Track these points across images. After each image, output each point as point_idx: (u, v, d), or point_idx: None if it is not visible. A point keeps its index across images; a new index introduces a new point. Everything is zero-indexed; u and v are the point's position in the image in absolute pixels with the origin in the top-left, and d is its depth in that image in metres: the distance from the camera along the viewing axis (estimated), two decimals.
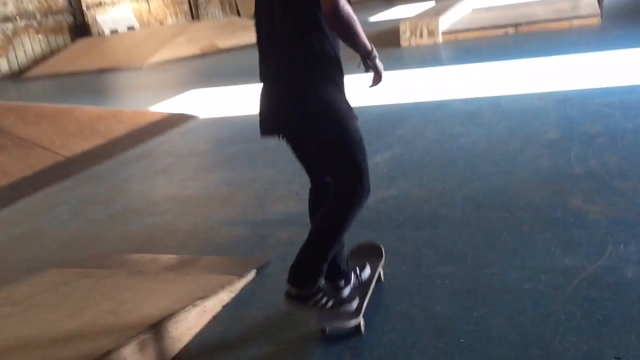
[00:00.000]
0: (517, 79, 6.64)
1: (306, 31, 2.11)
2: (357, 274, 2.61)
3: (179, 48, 13.63)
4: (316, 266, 2.28)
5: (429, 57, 9.06)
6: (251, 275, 3.03)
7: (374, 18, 16.05)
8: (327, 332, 2.43)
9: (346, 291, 2.50)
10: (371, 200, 2.40)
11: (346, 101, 2.25)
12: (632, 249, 2.76)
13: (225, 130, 6.48)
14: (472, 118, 5.36)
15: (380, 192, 3.84)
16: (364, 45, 2.14)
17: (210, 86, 9.25)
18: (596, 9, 9.79)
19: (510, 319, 2.38)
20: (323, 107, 2.17)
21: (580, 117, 4.89)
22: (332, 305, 2.35)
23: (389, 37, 10.59)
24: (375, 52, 2.20)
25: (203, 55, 13.53)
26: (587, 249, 2.83)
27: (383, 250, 2.84)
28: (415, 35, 9.91)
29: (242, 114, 6.95)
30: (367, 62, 2.20)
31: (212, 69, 11.81)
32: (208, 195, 4.48)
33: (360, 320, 2.39)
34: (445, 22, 10.38)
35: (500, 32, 9.73)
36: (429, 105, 6.05)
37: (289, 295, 2.31)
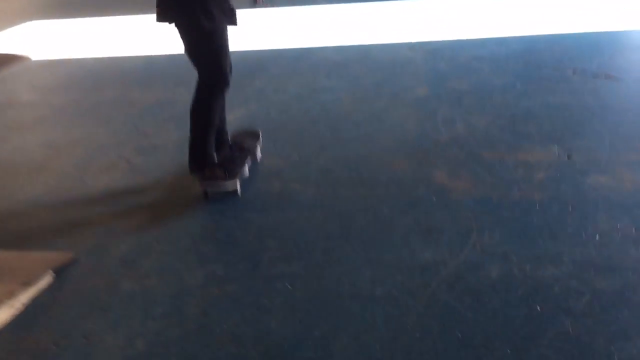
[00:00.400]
0: (391, 24, 6.20)
1: None
2: (236, 149, 3.14)
3: None
4: (200, 147, 2.86)
5: None
6: (45, 280, 2.38)
7: None
8: (209, 195, 2.93)
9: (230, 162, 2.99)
10: None
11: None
12: (497, 238, 2.44)
13: (59, 75, 5.51)
14: (338, 69, 4.86)
15: None
16: None
17: (54, 17, 7.96)
18: None
19: (356, 340, 1.95)
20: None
21: (450, 71, 4.56)
22: (221, 173, 2.87)
23: None
24: None
25: None
26: (450, 237, 2.47)
27: (260, 132, 3.40)
28: None
29: (84, 56, 5.97)
30: None
31: None
32: (16, 162, 3.64)
33: (237, 184, 2.90)
34: None
35: None
36: (294, 52, 5.45)
37: (191, 170, 2.91)
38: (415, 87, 4.29)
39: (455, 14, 6.38)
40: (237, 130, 3.39)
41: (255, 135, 3.35)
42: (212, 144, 2.90)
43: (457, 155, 3.21)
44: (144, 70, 5.37)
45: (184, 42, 2.76)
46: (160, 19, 2.69)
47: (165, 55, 5.74)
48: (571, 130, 3.40)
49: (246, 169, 3.06)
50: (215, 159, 2.94)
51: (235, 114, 4.01)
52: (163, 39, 6.30)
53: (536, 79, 4.23)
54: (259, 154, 3.32)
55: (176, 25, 2.72)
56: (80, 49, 6.28)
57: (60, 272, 2.44)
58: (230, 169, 2.93)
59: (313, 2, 7.43)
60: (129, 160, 3.50)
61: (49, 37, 7.03)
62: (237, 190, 2.90)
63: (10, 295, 2.23)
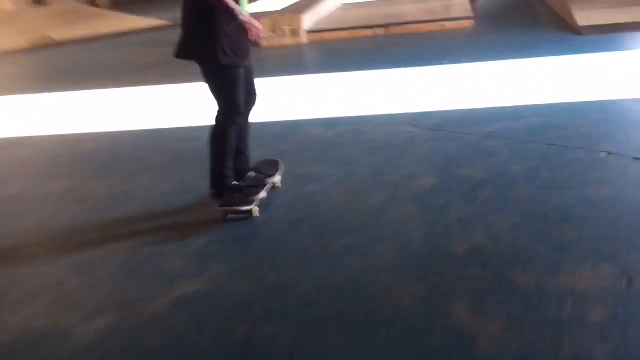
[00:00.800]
0: (386, 94, 5.57)
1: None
2: (258, 177, 3.42)
3: (2, 40, 11.36)
4: (219, 172, 3.20)
5: (290, 61, 7.80)
6: None
7: None
8: (227, 216, 3.16)
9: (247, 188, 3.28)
10: None
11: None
12: None
13: (11, 159, 4.85)
14: (328, 150, 4.18)
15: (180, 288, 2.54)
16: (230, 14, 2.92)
17: (20, 93, 7.36)
18: (469, 11, 9.08)
19: None
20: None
21: (459, 154, 3.86)
22: (239, 197, 3.18)
23: None
24: (239, 14, 2.92)
25: (34, 49, 11.37)
26: None
27: (280, 162, 3.59)
28: (277, 34, 8.64)
29: (46, 134, 5.34)
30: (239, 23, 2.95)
31: (35, 67, 9.83)
32: None
33: (253, 207, 3.15)
34: (311, 19, 9.21)
35: (369, 32, 8.72)
36: (280, 127, 4.79)
37: (213, 194, 3.26)
38: (419, 175, 3.58)
39: (458, 79, 5.76)
40: (259, 160, 3.59)
41: (275, 165, 3.57)
42: (230, 169, 3.22)
43: (479, 278, 2.45)
44: (107, 153, 4.69)
45: (204, 76, 3.13)
46: (183, 56, 3.08)
47: (134, 132, 5.10)
48: (623, 239, 2.65)
49: (264, 194, 3.29)
50: (235, 183, 3.23)
51: (190, 215, 3.32)
52: (130, 114, 5.72)
53: (564, 164, 3.52)
54: (278, 183, 3.51)
55: (197, 61, 3.09)
56: (45, 125, 5.65)
57: None
58: (248, 194, 3.20)
59: (302, 72, 6.88)
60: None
61: (11, 114, 6.42)
62: (253, 213, 3.15)
63: None
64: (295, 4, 10.66)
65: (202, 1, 2.90)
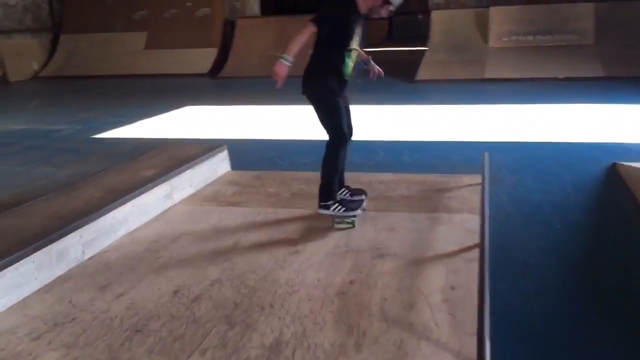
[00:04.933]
0: None
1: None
2: (352, 195, 4.13)
3: None
4: (327, 187, 3.84)
5: None
6: None
7: None
8: (334, 224, 3.86)
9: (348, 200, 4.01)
10: None
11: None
12: None
13: None
14: None
15: None
16: (291, 52, 3.57)
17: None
18: None
19: None
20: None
21: None
22: (342, 209, 3.84)
23: None
24: (280, 57, 3.57)
25: None
26: None
27: (366, 191, 4.25)
28: None
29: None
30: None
31: None
32: None
33: (355, 217, 3.85)
34: None
35: None
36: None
37: (319, 205, 3.87)
38: None
39: None
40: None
41: (363, 191, 4.23)
42: (336, 185, 3.93)
43: None
44: None
45: (314, 110, 3.82)
46: (303, 91, 3.81)
47: None
48: None
49: (360, 211, 3.93)
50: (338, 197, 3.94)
51: None
52: None
53: None
54: (365, 205, 4.12)
55: (307, 97, 3.81)
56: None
57: None
58: (349, 207, 3.88)
59: None
60: None
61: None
62: (354, 223, 3.85)
63: None
64: None
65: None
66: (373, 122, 7.77)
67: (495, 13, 13.32)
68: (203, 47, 15.30)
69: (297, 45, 3.54)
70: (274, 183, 4.83)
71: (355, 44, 3.79)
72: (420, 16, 19.14)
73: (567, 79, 11.21)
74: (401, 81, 11.89)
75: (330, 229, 3.81)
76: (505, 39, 13.01)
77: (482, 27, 13.31)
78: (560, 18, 12.84)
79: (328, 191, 3.85)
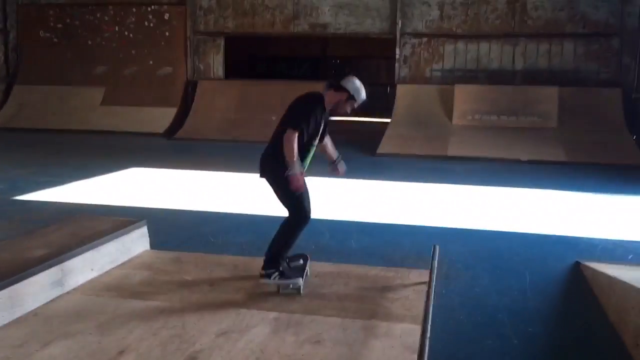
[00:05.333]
0: None
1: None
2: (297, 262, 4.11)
3: None
4: (274, 257, 3.87)
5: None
6: None
7: None
8: (280, 290, 3.86)
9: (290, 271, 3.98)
10: None
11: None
12: None
13: None
14: None
15: None
16: (291, 162, 3.68)
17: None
18: None
19: None
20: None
21: None
22: (283, 278, 3.86)
23: None
24: (295, 168, 3.69)
25: None
26: None
27: (308, 256, 4.20)
28: None
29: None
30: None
31: None
32: None
33: (300, 283, 3.84)
34: None
35: None
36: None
37: (260, 274, 3.87)
38: None
39: None
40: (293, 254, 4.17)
41: (305, 256, 4.18)
42: (284, 259, 3.91)
43: None
44: None
45: (274, 191, 3.89)
46: (260, 175, 3.90)
47: None
48: None
49: (300, 280, 3.86)
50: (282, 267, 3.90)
51: None
52: None
53: None
54: (307, 272, 4.08)
55: (266, 179, 3.87)
56: None
57: None
58: (289, 276, 3.86)
59: None
60: None
61: None
62: (299, 290, 3.83)
63: None
64: None
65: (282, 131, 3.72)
66: (325, 197, 7.19)
67: (460, 91, 13.20)
68: (162, 106, 14.80)
69: (294, 152, 3.66)
70: (193, 269, 4.17)
71: (317, 140, 3.94)
72: (389, 88, 19.13)
73: (529, 161, 10.96)
74: (362, 154, 11.49)
75: (240, 335, 3.14)
76: (470, 117, 12.85)
77: (447, 104, 13.15)
78: (524, 99, 12.77)
79: (274, 262, 3.86)
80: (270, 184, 3.87)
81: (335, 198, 7.59)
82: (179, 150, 12.83)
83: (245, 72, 19.56)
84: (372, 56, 20.22)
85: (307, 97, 3.89)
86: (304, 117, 3.72)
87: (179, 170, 9.62)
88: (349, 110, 3.92)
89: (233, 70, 16.73)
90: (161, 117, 14.60)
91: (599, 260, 5.00)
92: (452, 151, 11.60)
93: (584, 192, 8.31)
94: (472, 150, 11.51)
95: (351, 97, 3.82)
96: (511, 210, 7.16)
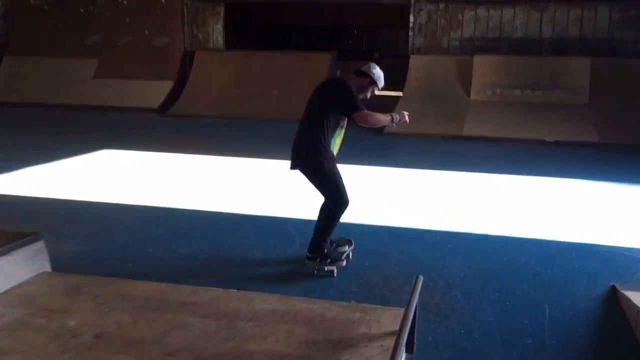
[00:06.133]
0: None
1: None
2: (337, 247, 4.30)
3: None
4: (319, 243, 4.03)
5: None
6: None
7: None
8: (315, 272, 4.06)
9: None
10: None
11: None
12: None
13: None
14: None
15: None
16: (388, 122, 4.02)
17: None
18: None
19: None
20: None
21: None
22: (325, 261, 4.07)
23: None
24: (395, 117, 4.03)
25: None
26: None
27: (352, 240, 4.38)
28: None
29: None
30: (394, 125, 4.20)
31: None
32: None
33: (334, 268, 4.06)
34: None
35: None
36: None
37: (306, 257, 4.07)
38: None
39: None
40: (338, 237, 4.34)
41: (349, 241, 4.34)
42: (327, 242, 4.08)
43: None
44: None
45: (310, 181, 4.06)
46: (292, 167, 4.05)
47: None
48: None
49: (344, 262, 4.12)
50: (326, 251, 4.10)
51: None
52: None
53: None
54: (350, 255, 4.25)
55: (301, 171, 4.03)
56: None
57: None
58: (333, 259, 4.07)
59: None
60: None
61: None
62: (334, 273, 4.02)
63: None
64: None
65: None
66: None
67: (480, 62, 11.85)
68: (157, 79, 13.74)
69: (378, 117, 3.94)
70: (91, 303, 3.08)
71: (346, 121, 4.06)
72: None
73: (556, 142, 9.67)
74: (367, 131, 10.26)
75: None
76: (490, 92, 11.51)
77: (465, 77, 11.83)
78: (552, 72, 11.37)
79: (319, 246, 4.02)
80: (306, 175, 4.01)
81: None
82: (168, 128, 11.80)
83: (257, 44, 18.30)
84: (391, 26, 18.77)
85: (336, 83, 4.15)
86: (354, 97, 3.90)
87: (158, 154, 8.59)
88: (369, 94, 4.10)
89: (243, 41, 15.55)
90: (156, 91, 13.56)
91: None
92: (468, 130, 10.34)
93: (620, 182, 7.03)
94: (490, 130, 10.23)
95: (373, 82, 4.06)
96: (531, 207, 5.95)
